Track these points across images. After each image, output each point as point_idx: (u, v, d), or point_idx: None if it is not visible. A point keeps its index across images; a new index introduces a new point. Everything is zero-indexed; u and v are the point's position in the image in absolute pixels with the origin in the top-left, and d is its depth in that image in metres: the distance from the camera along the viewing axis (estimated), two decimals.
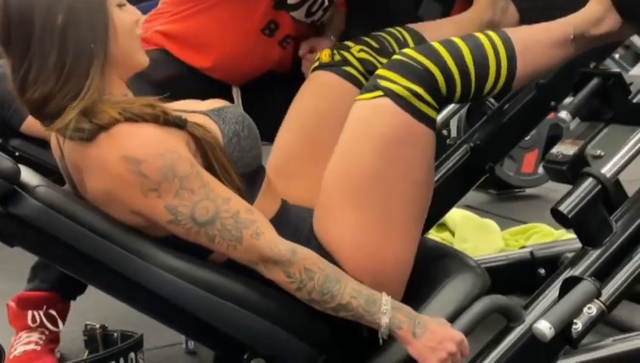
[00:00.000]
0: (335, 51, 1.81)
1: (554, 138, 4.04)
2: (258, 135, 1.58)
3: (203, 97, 1.62)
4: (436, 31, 1.84)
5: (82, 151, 1.42)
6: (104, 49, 1.43)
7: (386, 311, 1.47)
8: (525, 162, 3.95)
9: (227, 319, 1.50)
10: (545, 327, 1.40)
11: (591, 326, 1.54)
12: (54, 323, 1.98)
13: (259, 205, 1.53)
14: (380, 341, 1.50)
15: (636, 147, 1.68)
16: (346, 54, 1.81)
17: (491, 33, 1.63)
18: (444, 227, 2.72)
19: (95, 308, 2.19)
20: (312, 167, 1.72)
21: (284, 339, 1.53)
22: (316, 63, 1.84)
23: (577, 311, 1.45)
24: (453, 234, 2.69)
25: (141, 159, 1.37)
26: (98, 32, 1.42)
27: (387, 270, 1.57)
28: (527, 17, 1.97)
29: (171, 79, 1.92)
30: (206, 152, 1.45)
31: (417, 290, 1.66)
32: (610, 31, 1.74)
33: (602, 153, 1.83)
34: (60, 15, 1.40)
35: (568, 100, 2.07)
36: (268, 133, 1.80)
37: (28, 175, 1.43)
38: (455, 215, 2.75)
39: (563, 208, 1.60)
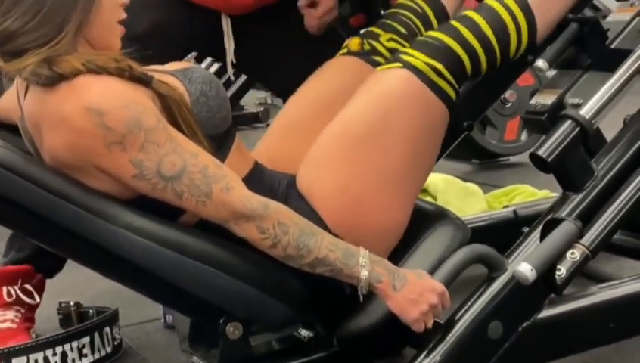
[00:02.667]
0: (365, 41, 1.80)
1: None
2: (226, 96, 1.54)
3: (191, 30, 1.54)
4: None
5: (41, 103, 1.36)
6: (85, 11, 1.37)
7: (365, 264, 1.42)
8: (507, 129, 3.90)
9: (199, 281, 1.45)
10: (526, 270, 1.36)
11: (575, 271, 1.49)
12: (31, 296, 1.92)
13: (229, 165, 1.47)
14: (360, 297, 1.45)
15: (614, 88, 1.64)
16: (375, 43, 1.80)
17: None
18: (425, 192, 2.68)
19: (70, 289, 2.14)
20: (312, 136, 1.68)
21: (260, 299, 1.49)
22: (344, 51, 1.82)
23: (559, 253, 1.40)
24: (435, 198, 2.65)
25: (104, 110, 1.31)
26: None
27: (372, 226, 1.54)
28: None
29: (153, 27, 1.88)
30: (172, 110, 1.39)
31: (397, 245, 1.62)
32: None
33: (581, 101, 1.79)
34: None
35: None
36: (257, 68, 1.74)
37: None
38: (437, 180, 2.71)
39: (542, 152, 1.55)
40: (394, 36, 1.82)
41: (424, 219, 1.68)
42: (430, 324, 1.44)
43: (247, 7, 2.01)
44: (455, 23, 1.64)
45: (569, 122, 1.58)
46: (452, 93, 1.61)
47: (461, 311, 1.52)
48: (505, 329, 1.50)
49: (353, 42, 1.82)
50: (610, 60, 1.87)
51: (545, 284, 1.50)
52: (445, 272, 1.48)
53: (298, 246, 1.40)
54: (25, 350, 1.74)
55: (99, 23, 1.41)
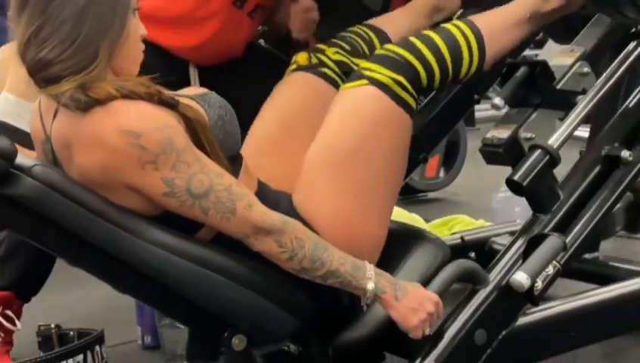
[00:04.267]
0: (312, 55, 1.92)
1: (453, 144, 4.27)
2: (237, 122, 1.64)
3: (162, 74, 1.64)
4: (394, 23, 1.99)
5: (75, 125, 1.44)
6: (115, 41, 1.47)
7: (371, 276, 1.55)
8: (428, 167, 4.13)
9: (215, 291, 1.54)
10: (522, 278, 1.53)
11: (549, 284, 1.68)
12: (12, 322, 1.95)
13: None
14: (364, 307, 1.58)
15: (574, 123, 1.84)
16: (322, 56, 1.92)
17: (459, 23, 1.78)
18: None
19: (47, 312, 2.16)
20: (285, 154, 1.80)
21: (270, 310, 1.59)
22: (294, 66, 1.93)
23: (548, 264, 1.58)
24: None
25: (139, 132, 1.41)
26: (117, 22, 1.46)
27: (363, 242, 1.66)
28: (468, 2, 2.13)
29: None
30: (196, 133, 1.49)
31: (382, 263, 1.76)
32: (558, 6, 1.89)
33: (533, 136, 2.00)
34: None
35: None
36: None
37: (20, 156, 1.44)
38: None
39: (518, 177, 1.74)
40: (339, 50, 1.95)
41: (406, 239, 1.83)
42: (427, 331, 1.58)
43: (215, 59, 2.11)
44: (413, 39, 1.76)
45: (539, 151, 1.77)
46: (414, 104, 1.72)
47: (450, 321, 1.67)
48: (489, 336, 1.66)
49: (301, 57, 1.94)
50: (557, 99, 2.11)
51: (523, 297, 1.67)
52: (438, 284, 1.63)
53: (312, 259, 1.52)
54: None
55: (126, 53, 1.51)
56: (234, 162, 1.60)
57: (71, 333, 2.04)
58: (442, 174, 4.21)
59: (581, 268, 2.23)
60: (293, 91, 1.90)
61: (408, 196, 4.14)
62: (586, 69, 2.20)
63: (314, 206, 1.66)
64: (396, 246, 1.79)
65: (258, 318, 1.60)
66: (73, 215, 1.43)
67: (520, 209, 2.94)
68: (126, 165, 1.42)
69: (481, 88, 2.46)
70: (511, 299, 1.67)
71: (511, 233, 2.49)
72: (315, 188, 1.68)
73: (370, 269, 1.56)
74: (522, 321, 1.72)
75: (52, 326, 2.04)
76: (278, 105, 1.89)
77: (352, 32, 1.98)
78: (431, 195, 4.24)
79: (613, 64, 1.95)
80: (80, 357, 1.86)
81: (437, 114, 2.38)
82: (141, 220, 1.49)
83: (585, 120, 1.86)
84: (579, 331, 1.82)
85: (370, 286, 1.55)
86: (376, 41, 1.97)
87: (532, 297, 1.67)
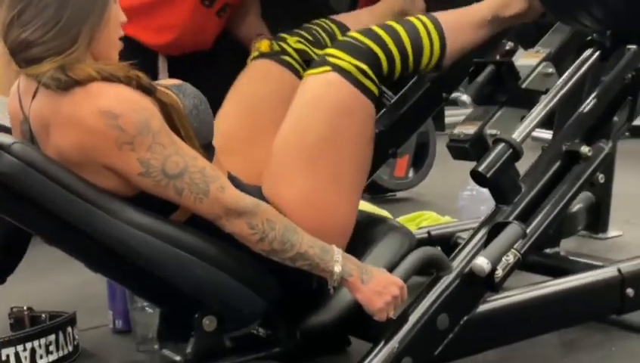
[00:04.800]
0: (274, 42, 1.97)
1: (422, 145, 4.35)
2: (211, 111, 1.68)
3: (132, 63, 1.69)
4: (357, 22, 2.05)
5: (54, 105, 1.49)
6: (96, 25, 1.52)
7: (339, 259, 1.61)
8: (397, 167, 4.20)
9: (187, 271, 1.59)
10: (483, 262, 1.60)
11: (510, 272, 1.74)
12: None
13: None
14: (331, 290, 1.63)
15: (536, 120, 1.91)
16: (283, 44, 1.98)
17: (422, 17, 1.85)
18: None
19: (18, 299, 2.19)
20: (251, 147, 1.86)
21: (241, 291, 1.65)
22: (255, 53, 1.98)
23: (508, 249, 1.65)
24: None
25: (117, 113, 1.45)
26: (97, 8, 1.51)
27: (332, 228, 1.72)
28: (432, 6, 2.20)
29: None
30: (171, 118, 1.54)
31: (350, 250, 1.81)
32: (518, 12, 1.98)
33: (498, 132, 2.07)
34: None
35: None
36: None
37: None
38: None
39: (482, 168, 1.80)
40: (301, 39, 2.01)
41: (374, 227, 1.89)
42: (391, 314, 1.63)
43: (184, 52, 2.16)
44: (375, 28, 1.81)
45: (503, 144, 1.84)
46: (376, 91, 1.77)
47: (413, 306, 1.73)
48: (451, 321, 1.72)
49: (263, 44, 1.99)
50: (522, 98, 2.19)
51: (485, 283, 1.74)
52: (404, 270, 1.69)
53: (282, 241, 1.57)
54: None
55: (105, 38, 1.56)
56: (207, 151, 1.65)
57: (43, 315, 2.07)
58: (411, 174, 4.29)
59: (542, 261, 2.31)
60: (255, 83, 1.95)
61: (378, 195, 4.21)
62: (550, 70, 2.28)
63: (283, 194, 1.72)
64: (364, 234, 1.85)
65: (228, 298, 1.65)
66: (51, 193, 1.47)
67: (485, 208, 3.02)
68: (104, 146, 1.47)
69: (449, 87, 2.52)
70: (473, 285, 1.73)
71: None
72: (284, 177, 1.73)
73: (337, 253, 1.62)
74: (483, 308, 1.78)
75: (24, 308, 2.07)
76: (241, 100, 1.94)
77: (315, 23, 2.05)
78: (400, 194, 4.31)
79: (570, 69, 2.02)
80: (52, 337, 1.89)
81: (407, 110, 2.44)
82: (117, 200, 1.53)
83: (546, 117, 1.93)
84: (538, 319, 1.89)
85: (337, 269, 1.60)
86: (338, 33, 2.03)
87: (492, 284, 1.73)
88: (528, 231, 1.78)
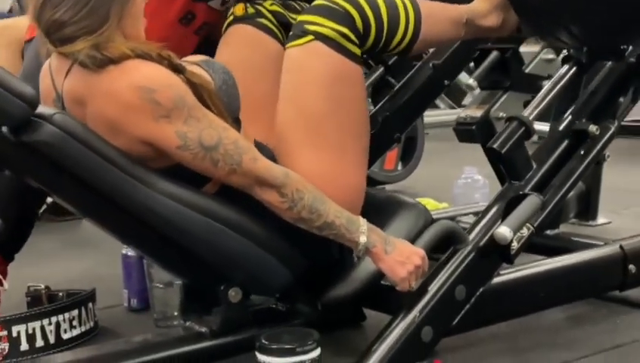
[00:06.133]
0: (248, 5, 1.97)
1: (411, 139, 4.41)
2: (237, 86, 1.72)
3: None
4: None
5: (89, 82, 1.53)
6: (125, 4, 1.56)
7: (364, 230, 1.66)
8: (387, 159, 4.26)
9: (218, 242, 1.64)
10: (505, 231, 1.66)
11: (524, 244, 1.81)
12: None
13: None
14: (355, 259, 1.69)
15: (549, 96, 1.98)
16: (259, 7, 1.99)
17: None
18: None
19: (31, 278, 2.21)
20: (249, 121, 1.87)
21: (267, 261, 1.70)
22: (230, 18, 1.99)
23: (528, 219, 1.71)
24: None
25: (153, 88, 1.50)
26: None
27: (348, 195, 1.75)
28: None
29: None
30: (202, 97, 1.58)
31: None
32: (492, 26, 1.97)
33: (504, 115, 2.15)
34: None
35: None
36: None
37: (40, 106, 1.51)
38: None
39: (497, 145, 1.87)
40: (274, 1, 2.01)
41: (389, 204, 1.95)
42: (413, 284, 1.69)
43: None
44: None
45: (516, 122, 1.91)
46: (358, 52, 1.76)
47: (432, 278, 1.78)
48: (468, 292, 1.78)
49: (238, 8, 1.99)
50: (526, 83, 2.27)
51: (500, 255, 1.80)
52: (425, 241, 1.76)
53: (311, 210, 1.62)
54: (24, 319, 1.84)
55: (133, 15, 1.60)
56: (236, 124, 1.70)
57: (60, 293, 2.09)
58: (400, 167, 4.35)
59: (544, 242, 2.38)
60: (234, 49, 1.95)
61: (368, 186, 4.26)
62: (551, 56, 2.37)
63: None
64: (381, 210, 1.91)
65: (255, 269, 1.70)
66: (90, 163, 1.51)
67: (479, 196, 3.09)
68: (141, 119, 1.51)
69: (451, 75, 2.59)
70: (489, 257, 1.80)
71: (475, 213, 2.65)
72: (290, 155, 1.74)
73: (363, 224, 1.67)
74: (497, 280, 1.85)
75: (42, 287, 2.10)
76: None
77: None
78: (388, 187, 4.36)
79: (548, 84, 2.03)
80: (75, 312, 1.92)
81: (410, 97, 2.51)
82: (152, 172, 1.58)
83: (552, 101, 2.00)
84: (546, 293, 1.96)
85: (362, 239, 1.65)
86: None
87: (508, 256, 1.80)
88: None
